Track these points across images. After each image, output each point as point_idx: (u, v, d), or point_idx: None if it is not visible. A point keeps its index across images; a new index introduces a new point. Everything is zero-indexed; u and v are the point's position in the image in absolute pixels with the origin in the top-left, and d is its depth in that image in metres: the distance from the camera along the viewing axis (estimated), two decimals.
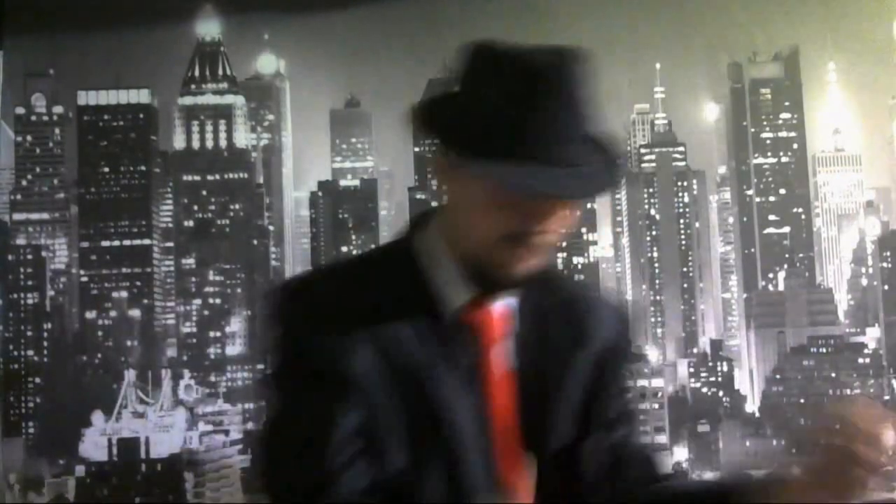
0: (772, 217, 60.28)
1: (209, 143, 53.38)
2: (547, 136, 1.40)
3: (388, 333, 1.43)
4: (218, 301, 49.52)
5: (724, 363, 55.34)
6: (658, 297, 60.40)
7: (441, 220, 1.52)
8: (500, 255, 1.41)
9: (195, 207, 51.89)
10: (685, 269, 60.63)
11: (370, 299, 1.46)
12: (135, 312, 48.38)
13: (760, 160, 60.63)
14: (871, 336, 55.05)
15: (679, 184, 60.08)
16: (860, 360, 51.42)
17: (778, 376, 52.66)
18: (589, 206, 65.99)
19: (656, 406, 51.98)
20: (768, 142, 60.85)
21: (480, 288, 1.46)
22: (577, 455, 1.52)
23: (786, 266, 58.89)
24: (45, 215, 51.30)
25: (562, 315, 1.52)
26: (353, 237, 60.41)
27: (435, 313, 1.47)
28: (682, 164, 60.50)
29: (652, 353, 56.52)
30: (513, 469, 1.46)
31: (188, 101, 54.81)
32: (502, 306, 1.49)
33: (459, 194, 1.47)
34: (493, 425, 1.46)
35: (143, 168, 50.87)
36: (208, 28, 55.25)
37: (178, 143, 53.57)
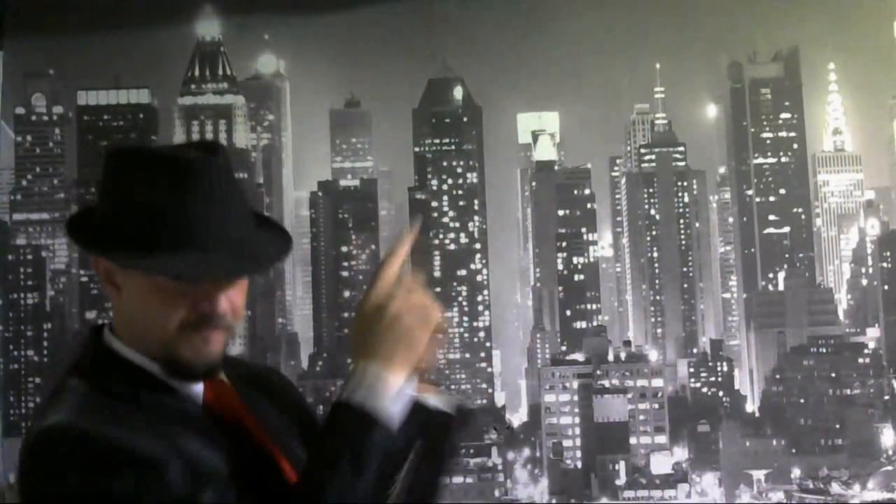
0: (772, 217, 60.25)
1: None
2: (204, 222, 1.44)
3: (162, 435, 1.44)
4: None
5: (724, 363, 55.35)
6: (658, 297, 60.39)
7: (119, 329, 1.52)
8: (188, 343, 1.45)
9: None
10: (685, 269, 60.63)
11: (125, 419, 1.45)
12: None
13: (760, 160, 60.61)
14: (871, 336, 55.02)
15: (679, 184, 60.09)
16: (860, 360, 51.42)
17: (778, 376, 52.65)
18: (589, 206, 66.04)
19: (656, 406, 51.97)
20: (768, 142, 60.81)
21: (183, 379, 1.48)
22: None
23: (786, 266, 58.88)
24: (45, 215, 51.33)
25: (252, 380, 1.61)
26: (353, 237, 60.41)
27: (188, 406, 1.51)
28: (682, 164, 60.50)
29: (652, 354, 56.52)
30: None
31: (188, 101, 54.81)
32: (220, 381, 1.56)
33: (132, 295, 1.48)
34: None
35: None
36: (208, 28, 55.25)
37: (178, 142, 53.50)
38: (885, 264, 54.33)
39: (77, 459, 1.39)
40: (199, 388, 1.50)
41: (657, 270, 60.31)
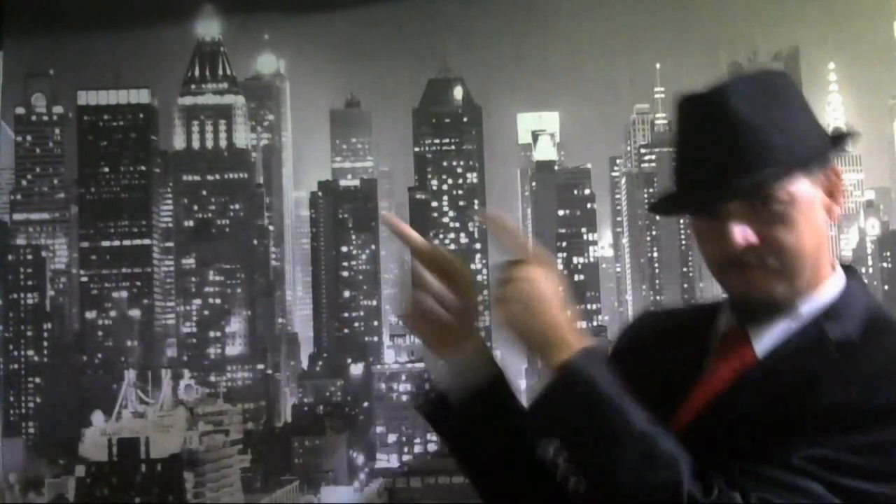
0: None
1: (209, 143, 53.38)
2: (686, 158, 1.49)
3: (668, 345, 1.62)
4: (218, 301, 49.49)
5: None
6: (658, 297, 60.37)
7: None
8: (725, 282, 1.50)
9: (195, 207, 51.90)
10: (685, 269, 60.61)
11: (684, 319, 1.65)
12: (135, 312, 48.36)
13: None
14: None
15: None
16: None
17: None
18: (589, 206, 66.03)
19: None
20: None
21: (744, 319, 1.53)
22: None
23: None
24: (45, 215, 51.32)
25: (810, 362, 1.45)
26: (353, 237, 60.38)
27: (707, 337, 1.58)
28: None
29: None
30: None
31: (188, 101, 54.81)
32: (772, 330, 1.51)
33: (696, 242, 1.59)
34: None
35: (143, 168, 50.85)
36: (208, 28, 55.25)
37: (178, 143, 53.57)
38: (885, 264, 54.31)
39: None
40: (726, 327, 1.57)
41: (657, 270, 60.40)
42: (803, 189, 1.47)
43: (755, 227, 1.44)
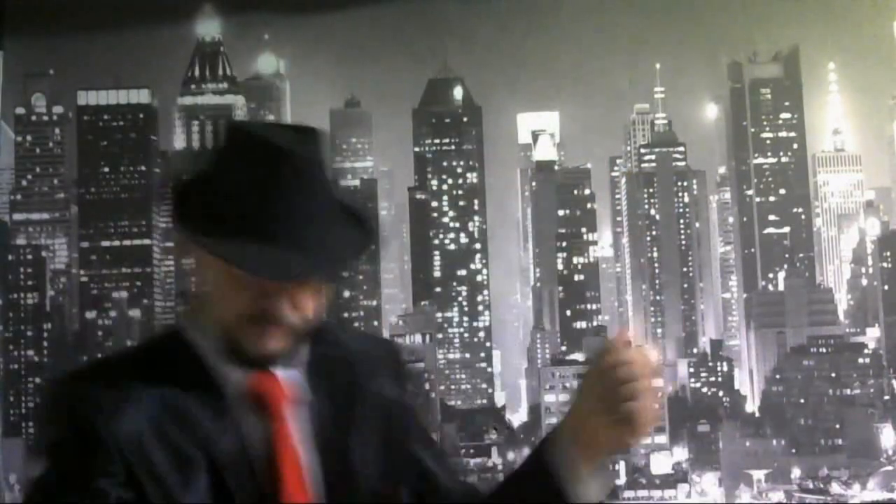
0: (772, 217, 60.23)
1: (209, 144, 53.32)
2: (283, 217, 1.42)
3: (167, 411, 1.44)
4: None
5: (724, 363, 55.28)
6: (658, 297, 60.35)
7: (202, 299, 1.53)
8: (247, 334, 1.44)
9: None
10: (685, 269, 60.58)
11: (148, 381, 1.46)
12: (135, 312, 48.38)
13: (760, 160, 60.58)
14: (871, 336, 54.98)
15: (679, 184, 60.04)
16: (860, 360, 51.36)
17: (778, 376, 52.61)
18: (589, 206, 66.02)
19: (656, 406, 51.82)
20: (768, 142, 60.79)
21: (241, 364, 1.47)
22: None
23: (786, 266, 58.82)
24: (45, 215, 51.30)
25: (340, 374, 1.54)
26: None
27: (216, 389, 1.47)
28: (682, 164, 60.45)
29: (652, 354, 56.22)
30: None
31: (188, 101, 54.79)
32: (290, 374, 1.51)
33: (203, 273, 1.49)
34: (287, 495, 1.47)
35: (143, 168, 50.86)
36: (208, 28, 55.24)
37: (178, 143, 53.59)
38: (885, 264, 54.29)
39: (48, 410, 1.46)
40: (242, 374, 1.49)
41: (657, 270, 60.30)
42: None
43: (299, 296, 1.46)
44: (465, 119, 59.00)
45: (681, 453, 50.40)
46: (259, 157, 1.42)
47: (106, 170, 50.22)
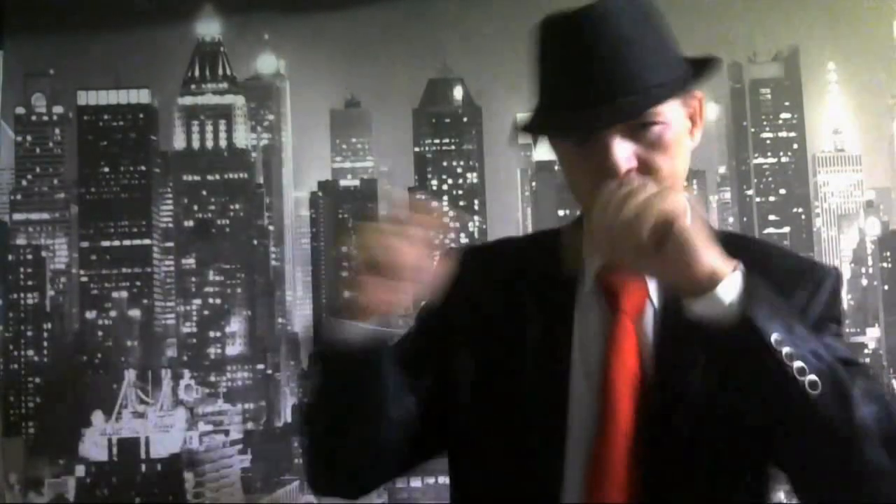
0: (772, 217, 60.08)
1: (209, 143, 53.34)
2: (581, 76, 1.37)
3: (514, 295, 1.44)
4: (218, 301, 49.43)
5: None
6: None
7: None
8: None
9: (195, 207, 51.92)
10: None
11: (512, 264, 1.49)
12: (135, 312, 48.35)
13: (760, 160, 60.41)
14: (871, 336, 54.78)
15: None
16: (860, 361, 51.28)
17: None
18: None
19: None
20: (768, 142, 60.63)
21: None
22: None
23: None
24: (45, 215, 51.27)
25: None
26: (354, 237, 60.22)
27: (571, 281, 1.43)
28: None
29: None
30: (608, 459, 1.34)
31: (188, 101, 54.75)
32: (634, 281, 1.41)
33: (562, 167, 1.46)
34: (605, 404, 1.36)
35: (143, 168, 50.74)
36: (208, 28, 55.23)
37: (178, 143, 53.54)
38: (885, 264, 54.10)
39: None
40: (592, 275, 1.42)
41: None
42: (676, 113, 1.43)
43: (633, 151, 1.37)
44: (465, 119, 58.88)
45: None
46: (558, 33, 1.39)
47: (106, 170, 50.15)
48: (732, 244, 1.34)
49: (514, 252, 1.52)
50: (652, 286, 1.40)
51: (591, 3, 1.38)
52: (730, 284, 1.23)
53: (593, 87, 1.35)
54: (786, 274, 1.40)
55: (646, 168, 1.36)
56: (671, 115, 1.40)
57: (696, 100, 1.46)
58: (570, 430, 1.35)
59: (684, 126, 1.44)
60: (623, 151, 1.35)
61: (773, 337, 1.21)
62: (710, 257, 1.24)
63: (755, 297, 1.22)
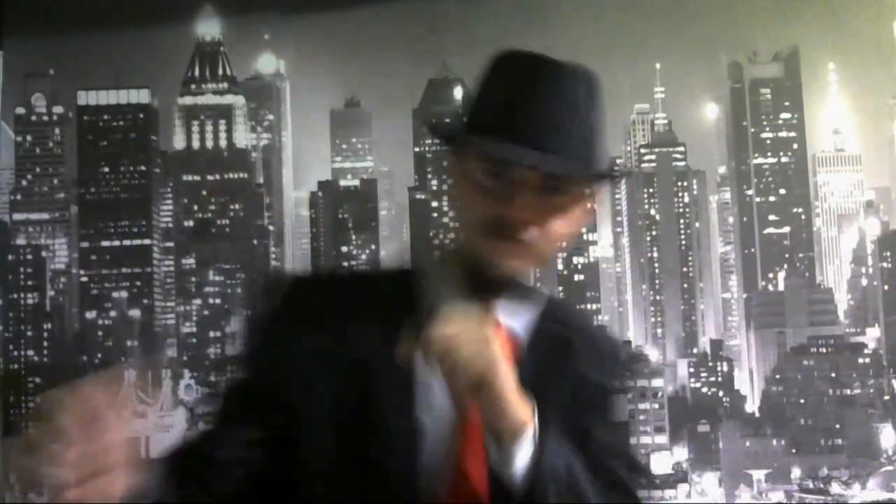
0: (772, 217, 60.24)
1: (209, 143, 53.37)
2: (536, 119, 1.39)
3: (360, 339, 1.40)
4: (218, 301, 49.49)
5: (724, 363, 55.28)
6: (658, 297, 60.36)
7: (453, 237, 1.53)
8: (483, 246, 1.39)
9: (195, 207, 51.89)
10: (685, 269, 60.59)
11: (353, 304, 1.44)
12: (135, 312, 48.38)
13: (760, 160, 60.59)
14: (871, 336, 54.99)
15: (679, 184, 60.05)
16: (860, 360, 51.36)
17: (778, 376, 52.60)
18: (589, 206, 65.67)
19: (656, 406, 51.91)
20: (768, 142, 60.80)
21: (470, 289, 1.42)
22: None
23: (786, 266, 58.84)
24: (45, 215, 51.31)
25: (558, 347, 1.48)
26: (353, 237, 60.37)
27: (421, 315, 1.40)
28: (682, 164, 60.46)
29: (652, 353, 56.46)
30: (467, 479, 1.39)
31: (188, 101, 54.80)
32: (514, 326, 1.46)
33: (456, 182, 1.49)
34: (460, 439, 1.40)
35: (143, 168, 50.86)
36: (208, 28, 55.25)
37: (178, 143, 53.56)
38: (885, 264, 54.29)
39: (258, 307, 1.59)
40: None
41: (657, 270, 60.33)
42: (585, 194, 1.48)
43: (539, 204, 1.40)
44: (465, 119, 58.87)
45: (681, 453, 50.38)
46: (520, 67, 1.41)
47: (106, 170, 50.22)
48: (550, 316, 1.49)
49: (360, 287, 1.50)
50: (514, 342, 1.47)
51: (559, 62, 1.43)
52: (526, 442, 1.33)
53: (548, 132, 1.38)
54: (585, 350, 1.51)
55: (542, 225, 1.40)
56: (583, 193, 1.46)
57: (595, 195, 1.51)
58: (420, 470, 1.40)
59: (581, 209, 1.49)
60: (537, 206, 1.39)
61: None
62: (517, 411, 1.32)
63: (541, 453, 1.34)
